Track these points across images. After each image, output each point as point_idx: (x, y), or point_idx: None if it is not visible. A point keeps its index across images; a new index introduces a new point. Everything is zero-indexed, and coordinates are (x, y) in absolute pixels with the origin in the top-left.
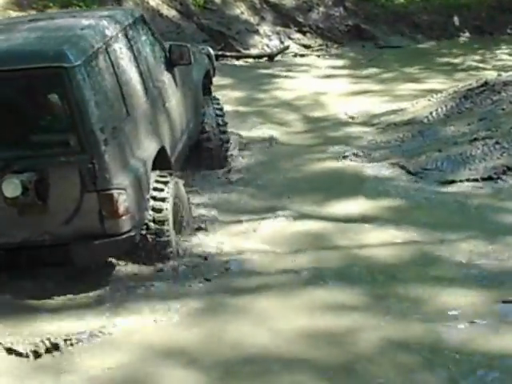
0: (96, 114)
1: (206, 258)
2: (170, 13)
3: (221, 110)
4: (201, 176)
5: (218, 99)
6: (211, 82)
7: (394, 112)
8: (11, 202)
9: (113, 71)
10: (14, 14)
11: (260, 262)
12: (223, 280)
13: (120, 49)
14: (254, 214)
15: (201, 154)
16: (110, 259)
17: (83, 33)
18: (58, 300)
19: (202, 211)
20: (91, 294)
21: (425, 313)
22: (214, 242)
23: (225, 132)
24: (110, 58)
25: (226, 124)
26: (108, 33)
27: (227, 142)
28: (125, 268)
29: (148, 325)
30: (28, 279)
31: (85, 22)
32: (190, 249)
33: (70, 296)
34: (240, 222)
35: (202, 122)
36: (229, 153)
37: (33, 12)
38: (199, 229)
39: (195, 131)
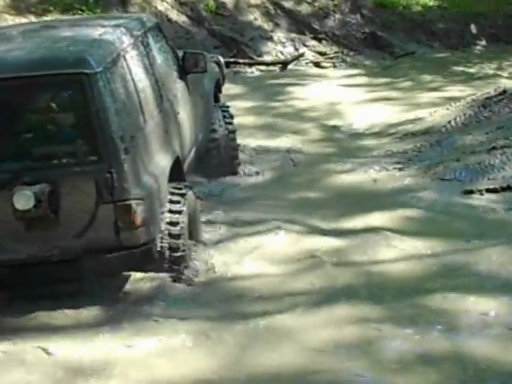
0: (116, 121)
1: (217, 278)
2: (180, 18)
3: (230, 116)
4: (211, 186)
5: (227, 106)
6: (220, 91)
7: (411, 121)
8: (21, 215)
9: (130, 78)
10: (10, 17)
11: (274, 281)
12: (235, 300)
13: (137, 56)
14: (266, 230)
15: (210, 161)
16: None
17: (102, 39)
18: (61, 320)
19: (212, 226)
20: (100, 312)
21: (449, 324)
22: (225, 260)
23: (234, 139)
24: (127, 65)
25: (234, 131)
26: (126, 40)
27: (236, 148)
28: (134, 284)
29: (168, 349)
30: (30, 297)
31: (102, 28)
32: (201, 267)
33: (74, 316)
34: (251, 238)
35: (211, 129)
36: (238, 161)
37: (31, 16)
38: (209, 245)
39: (205, 140)
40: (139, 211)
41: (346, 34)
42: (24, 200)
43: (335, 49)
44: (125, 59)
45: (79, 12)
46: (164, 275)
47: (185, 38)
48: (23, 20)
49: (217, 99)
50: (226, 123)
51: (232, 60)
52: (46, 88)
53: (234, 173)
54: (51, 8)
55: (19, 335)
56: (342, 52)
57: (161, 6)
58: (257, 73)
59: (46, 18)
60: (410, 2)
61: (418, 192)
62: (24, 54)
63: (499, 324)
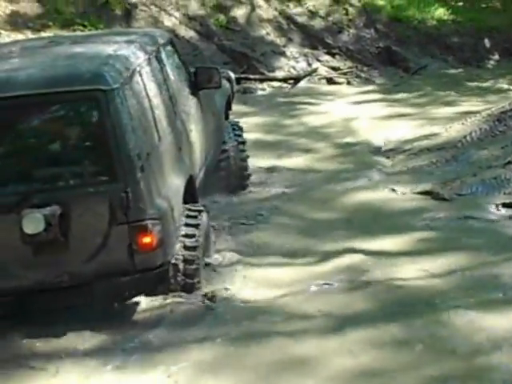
0: (133, 139)
1: (230, 302)
2: (188, 33)
3: (239, 128)
4: (221, 207)
5: (237, 123)
6: (230, 108)
7: (426, 137)
8: (30, 240)
9: (146, 95)
10: (5, 33)
11: (291, 304)
12: (253, 325)
13: (152, 72)
14: (278, 254)
15: (220, 173)
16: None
17: (117, 55)
18: (65, 350)
19: (223, 249)
20: (108, 340)
21: (471, 343)
22: (237, 283)
23: (243, 150)
24: (143, 81)
25: (244, 142)
26: (140, 55)
27: (246, 159)
28: (144, 308)
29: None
30: (28, 323)
31: (115, 44)
32: (213, 290)
33: (78, 344)
34: (265, 262)
35: (222, 148)
36: (248, 173)
37: (28, 32)
38: (221, 268)
39: (216, 157)
40: (156, 232)
41: (360, 49)
42: (33, 223)
43: (349, 64)
44: (140, 75)
45: (80, 28)
46: (174, 299)
47: (192, 53)
48: (20, 36)
49: (227, 116)
50: (236, 135)
51: (243, 76)
52: (61, 105)
53: (244, 185)
54: (50, 23)
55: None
56: (356, 67)
57: (168, 21)
58: (268, 89)
59: (44, 34)
60: (424, 17)
61: (435, 208)
62: (36, 70)
63: None
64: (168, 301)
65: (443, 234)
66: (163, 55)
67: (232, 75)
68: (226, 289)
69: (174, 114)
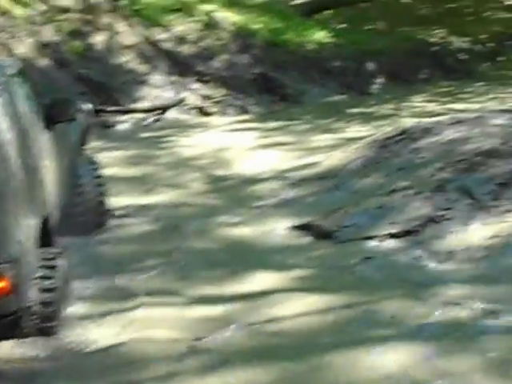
0: None
1: (96, 350)
2: (40, 62)
3: (94, 162)
4: (80, 247)
5: (94, 159)
6: (85, 142)
7: (306, 166)
8: None
9: None
10: None
11: (160, 350)
12: (124, 373)
13: (2, 105)
14: (143, 297)
15: (75, 210)
16: None
17: None
18: None
19: (86, 294)
20: None
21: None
22: (103, 330)
23: (100, 184)
24: None
25: (100, 176)
26: None
27: (103, 193)
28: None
29: None
30: None
31: None
32: (75, 339)
33: None
34: (127, 308)
35: (77, 183)
36: (106, 208)
37: None
38: (82, 315)
39: (71, 194)
40: (9, 276)
41: (234, 76)
42: None
43: (222, 92)
44: None
45: None
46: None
47: (43, 83)
48: None
49: (82, 152)
50: (91, 169)
51: (99, 108)
52: None
53: (104, 222)
54: None
55: None
56: (230, 95)
57: (19, 49)
58: (131, 122)
59: None
60: (303, 40)
61: (314, 243)
62: None
63: (410, 372)
64: (27, 350)
65: (321, 271)
66: (14, 86)
67: (87, 107)
68: (88, 337)
69: (26, 149)
